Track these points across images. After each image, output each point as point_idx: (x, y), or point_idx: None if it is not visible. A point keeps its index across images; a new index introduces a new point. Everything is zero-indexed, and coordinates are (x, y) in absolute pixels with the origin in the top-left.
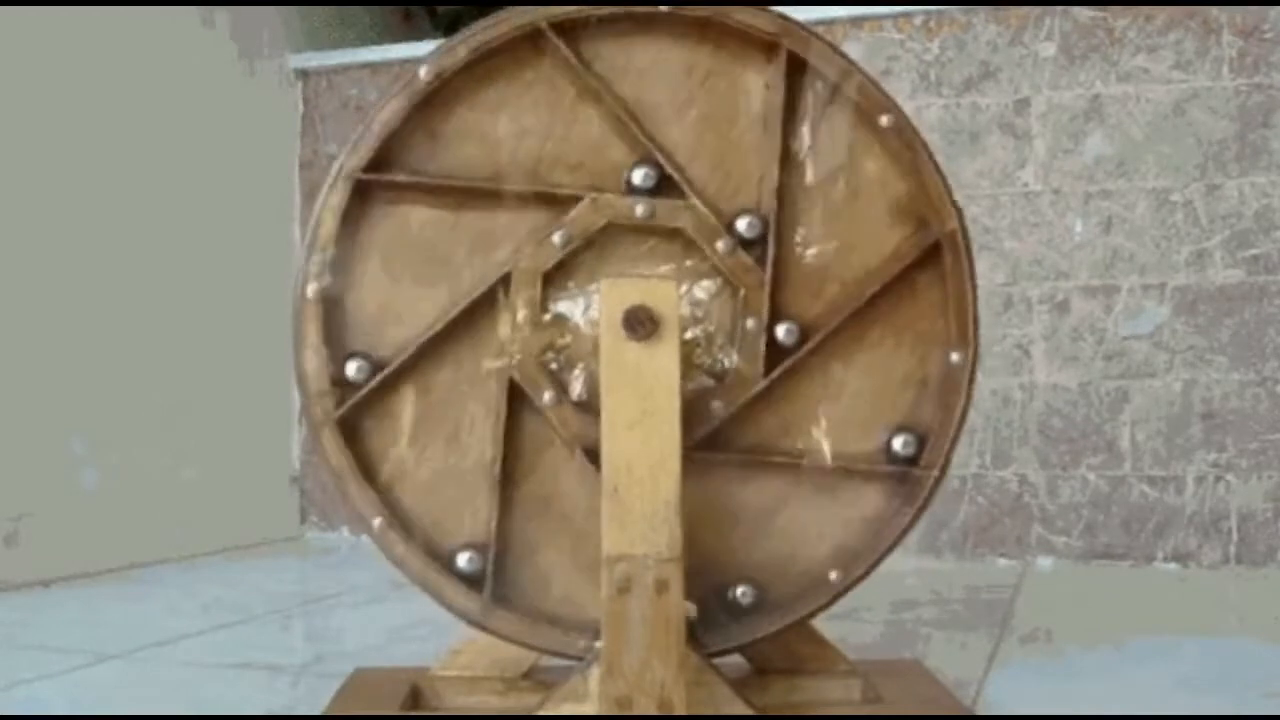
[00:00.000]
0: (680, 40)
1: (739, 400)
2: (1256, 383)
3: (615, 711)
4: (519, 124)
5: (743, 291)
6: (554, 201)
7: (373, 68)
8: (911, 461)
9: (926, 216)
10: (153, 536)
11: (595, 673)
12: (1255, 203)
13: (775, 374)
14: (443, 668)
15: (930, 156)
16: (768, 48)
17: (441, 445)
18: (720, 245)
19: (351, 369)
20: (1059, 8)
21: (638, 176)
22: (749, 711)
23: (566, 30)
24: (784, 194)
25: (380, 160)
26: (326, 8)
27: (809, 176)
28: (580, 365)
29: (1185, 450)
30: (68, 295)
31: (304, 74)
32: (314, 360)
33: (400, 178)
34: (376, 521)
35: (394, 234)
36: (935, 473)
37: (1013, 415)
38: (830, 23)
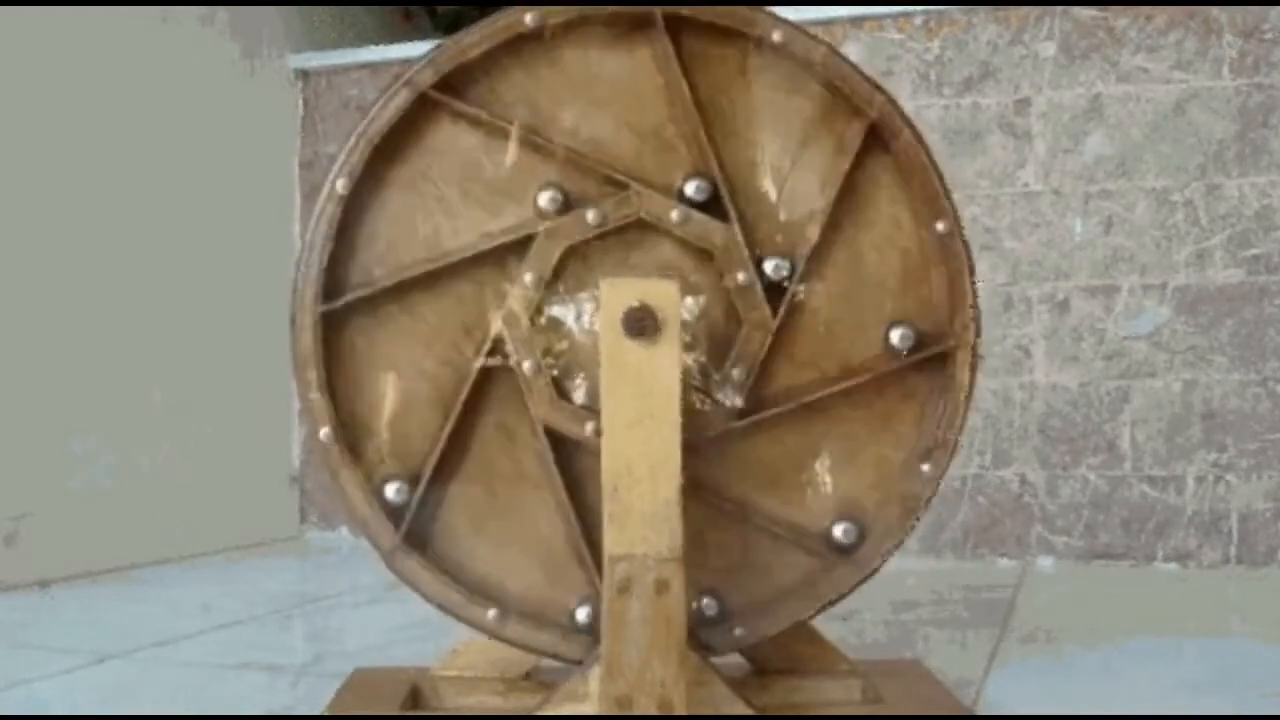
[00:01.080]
0: (777, 73)
1: (706, 433)
2: (1256, 383)
3: (615, 711)
4: (598, 96)
5: (745, 329)
6: (603, 181)
7: (373, 68)
8: (846, 551)
9: (943, 328)
10: (153, 536)
11: (595, 673)
12: (1255, 203)
13: (745, 422)
14: (443, 668)
15: (971, 275)
16: (854, 110)
17: (411, 374)
18: (741, 276)
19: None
20: (1059, 8)
21: (690, 187)
22: (749, 711)
23: (675, 24)
24: (817, 257)
25: (449, 83)
26: (326, 8)
27: (847, 249)
28: (581, 374)
29: (1185, 450)
30: (68, 295)
31: (304, 74)
32: (317, 258)
33: (465, 106)
34: (324, 431)
35: (439, 159)
36: (865, 571)
37: (1013, 415)
38: (830, 23)
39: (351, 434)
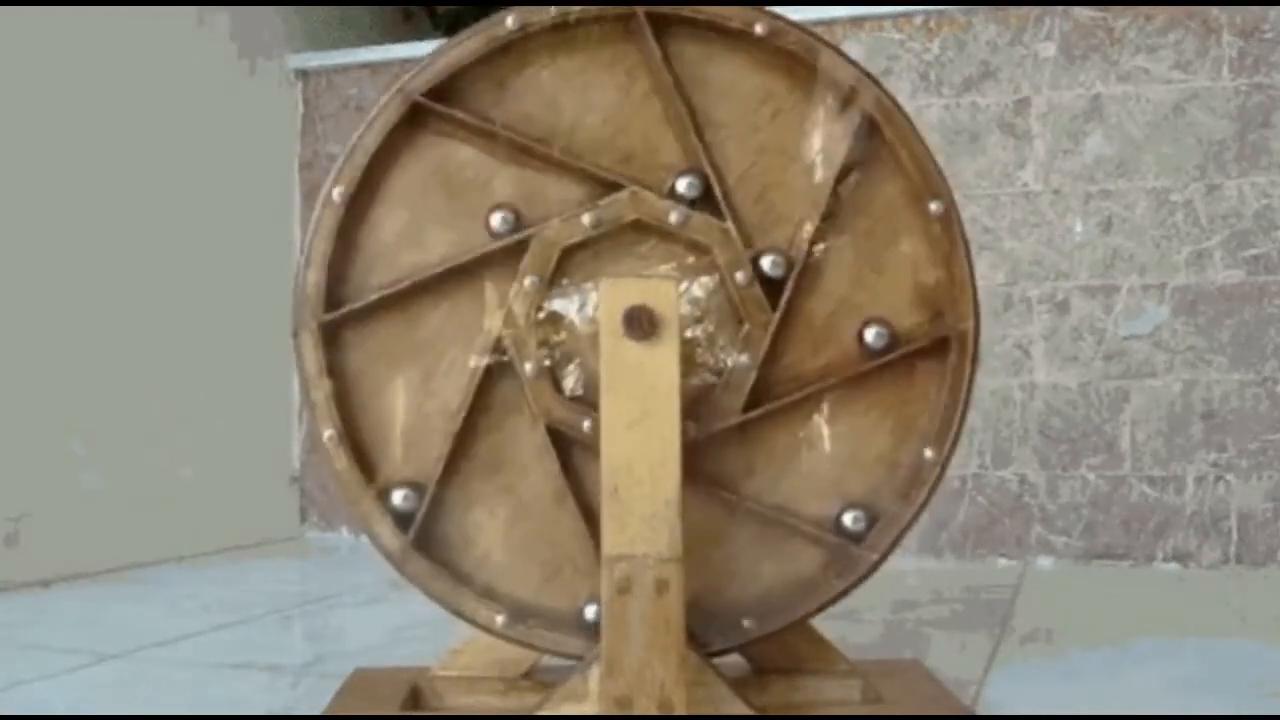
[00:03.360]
0: (764, 67)
1: (709, 429)
2: (1256, 383)
3: (615, 711)
4: (586, 99)
5: (746, 327)
6: (595, 183)
7: (373, 68)
8: (856, 539)
9: (944, 309)
10: (153, 536)
11: (595, 672)
12: (1255, 203)
13: (752, 415)
14: (443, 668)
15: (967, 253)
16: (844, 99)
17: (413, 381)
18: (740, 276)
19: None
20: (1059, 8)
21: (682, 184)
22: (749, 711)
23: (659, 23)
24: (815, 248)
25: (441, 92)
26: (326, 8)
27: (844, 235)
28: (575, 361)
29: (1185, 450)
30: (68, 295)
31: (304, 74)
32: (317, 273)
33: (456, 113)
34: (328, 433)
35: (434, 166)
36: (875, 556)
37: (1013, 415)
38: (830, 23)
39: (357, 440)
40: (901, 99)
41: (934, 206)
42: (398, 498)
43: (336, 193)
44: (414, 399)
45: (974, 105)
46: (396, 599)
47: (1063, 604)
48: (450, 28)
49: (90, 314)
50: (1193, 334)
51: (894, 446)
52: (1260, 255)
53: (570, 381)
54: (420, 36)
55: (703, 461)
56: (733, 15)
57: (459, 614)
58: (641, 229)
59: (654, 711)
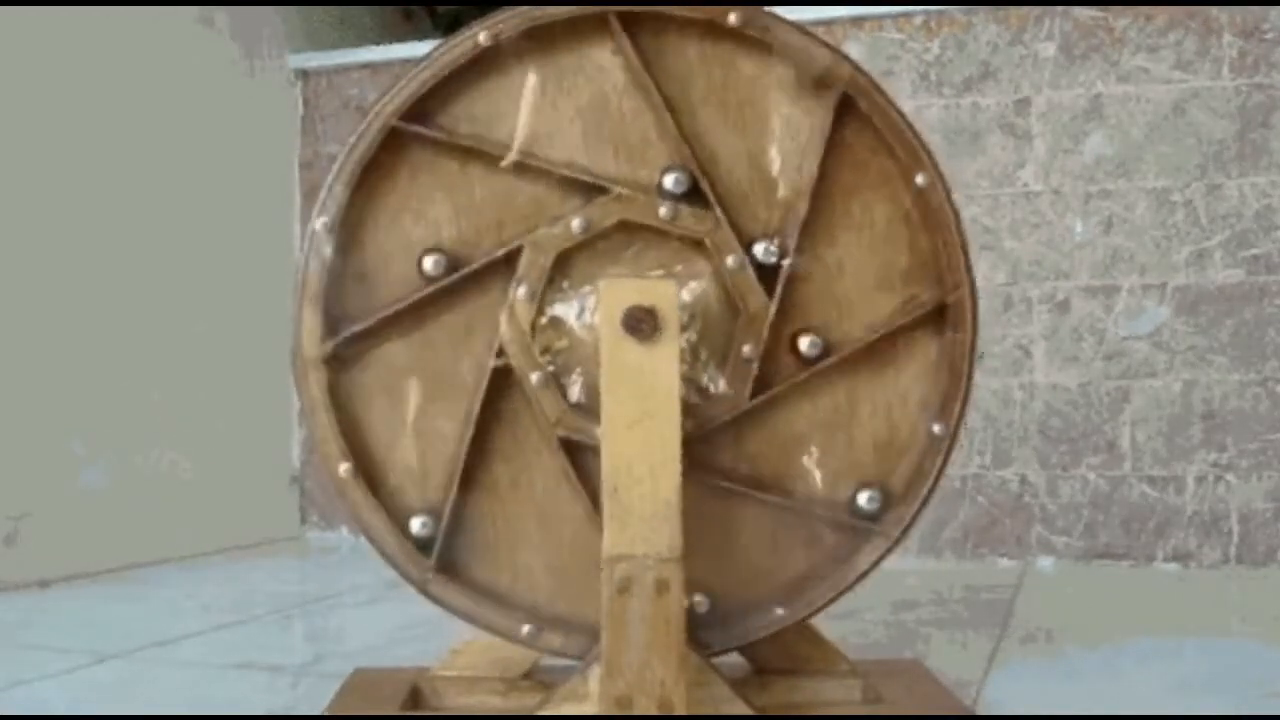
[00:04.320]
0: (740, 56)
1: (717, 419)
2: (1257, 383)
3: (615, 711)
4: (566, 104)
5: (744, 312)
6: (582, 188)
7: (373, 68)
8: (873, 518)
9: (938, 281)
10: (153, 536)
11: (595, 672)
12: (1255, 203)
13: (758, 400)
14: (443, 668)
15: (957, 223)
16: (820, 80)
17: (421, 400)
18: (731, 260)
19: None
20: (1059, 8)
21: (669, 180)
22: (749, 711)
23: (632, 21)
24: (807, 231)
25: (420, 109)
26: (326, 8)
27: (834, 219)
28: (578, 370)
29: (1185, 450)
30: (68, 295)
31: (304, 74)
32: (311, 306)
33: (433, 133)
34: (343, 468)
35: (420, 183)
36: (894, 533)
37: (1013, 415)
38: (830, 23)
39: (368, 469)
40: (901, 99)
41: (919, 179)
42: (415, 525)
43: (320, 224)
44: (422, 420)
45: (974, 105)
46: (396, 599)
47: (1063, 604)
48: (450, 28)
49: (90, 314)
50: (1193, 334)
51: (902, 423)
52: (1260, 255)
53: (575, 390)
54: (420, 36)
55: (709, 454)
56: (704, 9)
57: (485, 629)
58: (630, 232)
59: (654, 711)
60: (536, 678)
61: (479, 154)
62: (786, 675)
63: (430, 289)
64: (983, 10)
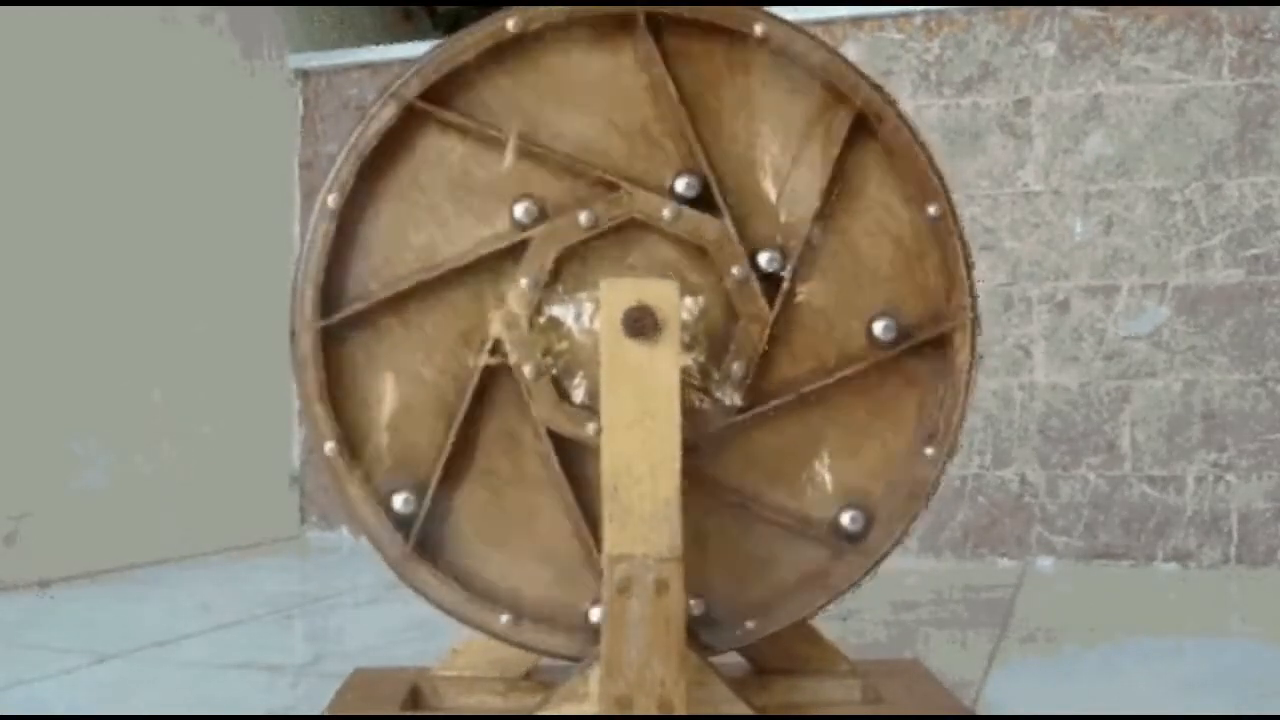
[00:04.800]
0: (762, 67)
1: (707, 430)
2: (1257, 383)
3: (615, 711)
4: (585, 99)
5: (742, 323)
6: (593, 183)
7: (373, 68)
8: (855, 539)
9: (942, 307)
10: (152, 536)
11: (595, 673)
12: (1255, 203)
13: (746, 415)
14: (443, 668)
15: (965, 252)
16: (839, 98)
17: (413, 383)
18: (735, 271)
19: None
20: (1059, 8)
21: (681, 184)
22: (749, 711)
23: (658, 23)
24: (811, 247)
25: (437, 92)
26: (326, 8)
27: (840, 237)
28: (581, 373)
29: (1185, 450)
30: (68, 295)
31: (304, 74)
32: (314, 278)
33: (452, 116)
34: (329, 445)
35: (432, 167)
36: (872, 559)
37: (1013, 415)
38: (830, 23)
39: (356, 446)
40: (901, 99)
41: (931, 210)
42: (398, 502)
43: (331, 200)
44: (412, 403)
45: (974, 105)
46: (396, 599)
47: (1063, 604)
48: (450, 28)
49: (90, 314)
50: (1193, 334)
51: (893, 445)
52: (1260, 255)
53: (579, 394)
54: (420, 36)
55: (698, 463)
56: (731, 16)
57: (461, 618)
58: (635, 236)
59: (654, 711)
60: (536, 678)
61: (492, 140)
62: (786, 675)
63: (430, 275)
64: (983, 10)
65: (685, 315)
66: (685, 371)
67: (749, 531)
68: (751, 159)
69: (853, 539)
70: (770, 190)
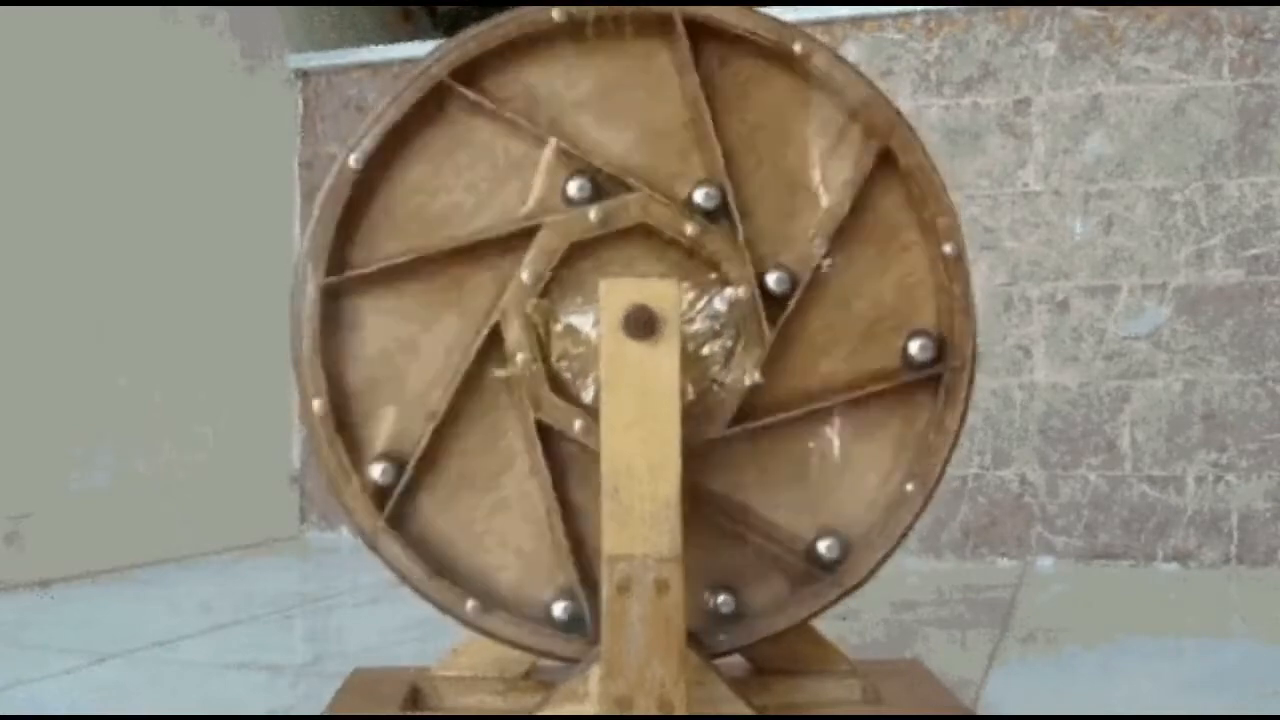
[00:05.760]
0: (793, 85)
1: (693, 441)
2: (1257, 383)
3: (615, 711)
4: (615, 97)
5: (742, 341)
6: (611, 183)
7: (373, 68)
8: (829, 567)
9: (942, 345)
10: (153, 536)
11: (595, 673)
12: (1255, 203)
13: (735, 430)
14: (443, 668)
15: (969, 298)
16: (869, 130)
17: (408, 356)
18: (742, 291)
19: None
20: (1059, 8)
21: (700, 194)
22: (749, 711)
23: (695, 29)
24: (820, 272)
25: (467, 72)
26: (326, 8)
27: (850, 266)
28: (592, 375)
29: (1185, 450)
30: (68, 295)
31: (304, 74)
32: (324, 233)
33: (483, 100)
34: (317, 403)
35: (455, 144)
36: (841, 589)
37: (1013, 415)
38: (830, 23)
39: (343, 410)
40: (901, 99)
41: (948, 249)
42: (376, 471)
43: (353, 159)
44: (406, 376)
45: (974, 105)
46: (396, 599)
47: (1063, 604)
48: (450, 28)
49: (90, 314)
50: (1193, 334)
51: (875, 476)
52: (1260, 255)
53: (589, 395)
54: (420, 36)
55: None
56: (772, 31)
57: (427, 598)
58: (650, 245)
59: (654, 711)
60: (536, 678)
61: (515, 125)
62: (786, 675)
63: (437, 249)
64: (983, 10)
65: (721, 306)
66: (709, 359)
67: (728, 546)
68: (772, 177)
69: (826, 567)
70: (787, 210)
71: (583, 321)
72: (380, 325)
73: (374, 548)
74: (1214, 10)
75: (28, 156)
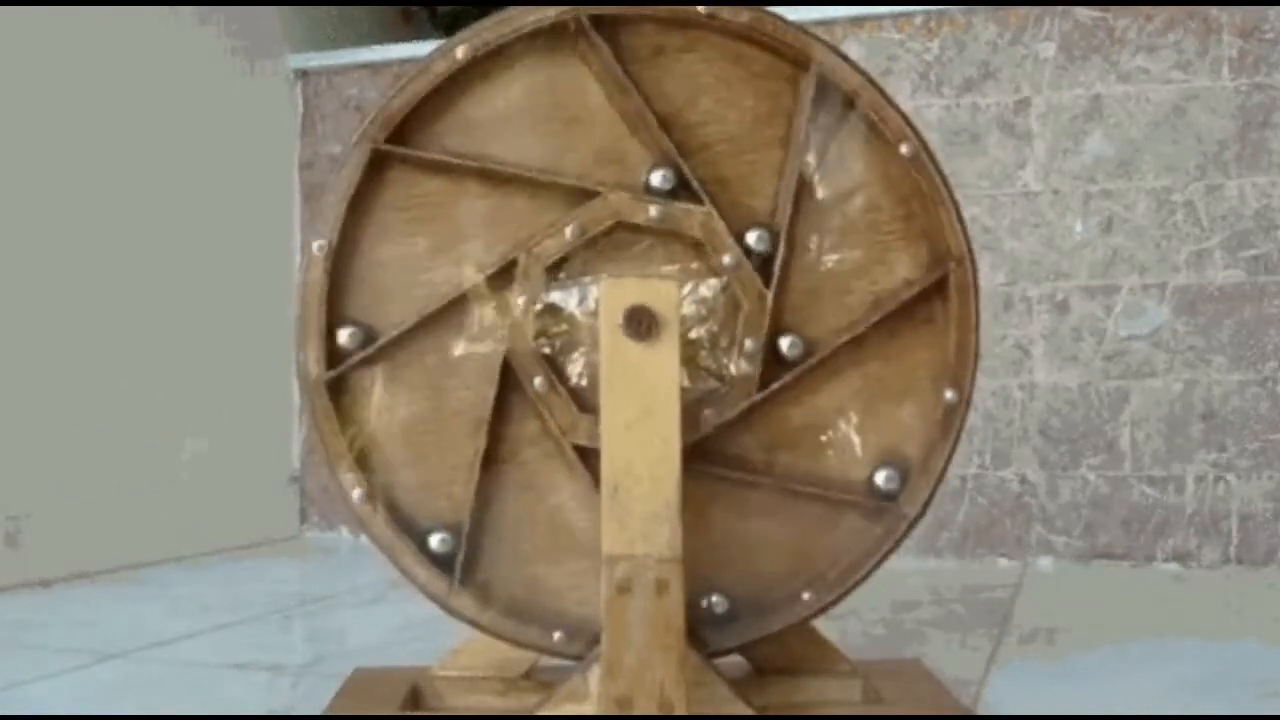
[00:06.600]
0: (716, 48)
1: (730, 412)
2: (1256, 383)
3: (615, 711)
4: (548, 110)
5: (745, 306)
6: (572, 194)
7: (373, 68)
8: (891, 497)
9: (936, 251)
10: (153, 536)
11: (595, 673)
12: (1255, 203)
13: (772, 388)
14: (443, 668)
15: (948, 189)
16: (795, 63)
17: (430, 419)
18: (727, 259)
19: (344, 336)
20: (1059, 8)
21: (656, 178)
22: (749, 711)
23: (605, 23)
24: (797, 218)
25: (403, 129)
26: (326, 8)
27: (821, 196)
28: (579, 350)
29: (1185, 450)
30: (68, 295)
31: (304, 74)
32: (314, 345)
33: (417, 154)
34: (356, 493)
35: (412, 198)
36: (914, 510)
37: (1013, 415)
38: (830, 23)
39: (383, 490)
40: (901, 99)
41: (904, 149)
42: (435, 542)
43: (316, 247)
44: (433, 438)
45: (974, 105)
46: (396, 599)
47: (1063, 604)
48: (450, 28)
49: (90, 313)
50: (1193, 334)
51: (913, 397)
52: (1260, 255)
53: (576, 369)
54: (420, 36)
55: (723, 447)
56: (669, 8)
57: (514, 642)
58: (634, 229)
59: (654, 711)
60: (536, 678)
61: (463, 170)
62: (786, 675)
63: (427, 310)
64: (983, 10)
65: (706, 293)
66: (696, 343)
67: (783, 507)
68: (721, 141)
69: (891, 497)
70: (746, 169)
71: (565, 299)
72: (395, 396)
73: (450, 612)
74: (1214, 10)
75: (28, 156)
